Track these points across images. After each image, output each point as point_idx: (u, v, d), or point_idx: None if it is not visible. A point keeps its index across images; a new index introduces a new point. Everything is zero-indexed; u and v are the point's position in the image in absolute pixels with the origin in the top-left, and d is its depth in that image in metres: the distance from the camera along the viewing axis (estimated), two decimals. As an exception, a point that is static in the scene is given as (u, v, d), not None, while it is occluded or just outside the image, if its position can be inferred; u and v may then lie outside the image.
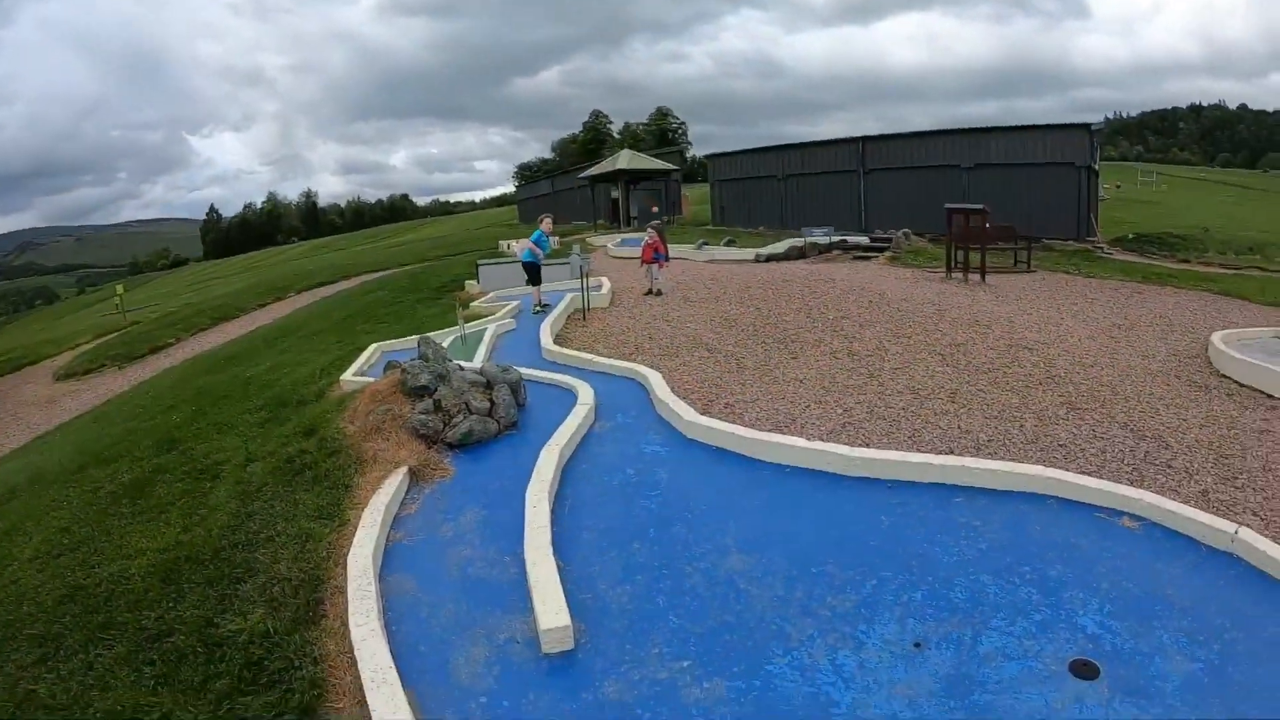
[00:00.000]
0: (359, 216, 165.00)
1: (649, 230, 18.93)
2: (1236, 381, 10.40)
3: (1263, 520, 6.62)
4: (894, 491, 7.15)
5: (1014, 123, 34.19)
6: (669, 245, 21.00)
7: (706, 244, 28.93)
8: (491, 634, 5.34)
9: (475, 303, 18.68)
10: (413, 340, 11.78)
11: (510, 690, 4.78)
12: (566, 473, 7.87)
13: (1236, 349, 11.15)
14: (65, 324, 49.99)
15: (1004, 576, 5.72)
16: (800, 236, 27.60)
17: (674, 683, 4.78)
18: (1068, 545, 6.10)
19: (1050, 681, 4.62)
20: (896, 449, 8.14)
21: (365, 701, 4.54)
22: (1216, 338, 11.75)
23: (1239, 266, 23.18)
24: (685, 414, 8.89)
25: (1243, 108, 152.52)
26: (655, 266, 17.84)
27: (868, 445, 8.29)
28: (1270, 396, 9.75)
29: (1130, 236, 28.36)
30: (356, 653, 4.95)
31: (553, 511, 6.89)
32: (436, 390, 8.92)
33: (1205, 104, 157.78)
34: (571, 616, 5.24)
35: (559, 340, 13.48)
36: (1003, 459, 7.83)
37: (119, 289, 46.61)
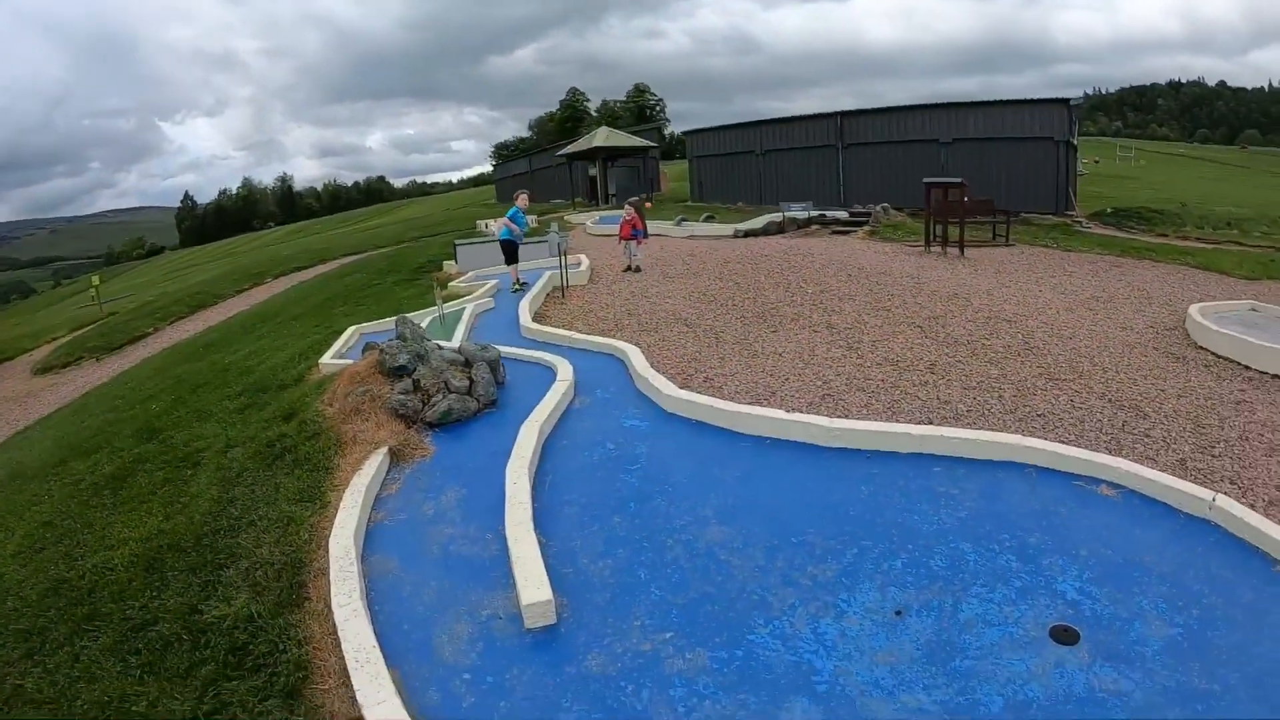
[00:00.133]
0: (336, 200, 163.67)
1: (627, 207, 18.88)
2: (1214, 353, 10.50)
3: (1239, 488, 6.71)
4: (873, 461, 7.17)
5: (993, 98, 34.25)
6: (648, 222, 20.94)
7: (685, 220, 28.87)
8: (474, 611, 5.33)
9: (454, 283, 18.59)
10: (391, 322, 11.72)
11: (494, 666, 4.78)
12: (547, 449, 7.85)
13: (1214, 321, 11.23)
14: (41, 318, 49.32)
15: (983, 544, 5.76)
16: (779, 212, 27.55)
17: (657, 654, 4.80)
18: (1047, 513, 6.14)
19: (1031, 647, 4.66)
20: (876, 419, 8.18)
21: (349, 682, 4.53)
22: (1194, 310, 11.84)
23: (1217, 241, 23.32)
24: (665, 388, 8.88)
25: (1222, 85, 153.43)
26: (634, 243, 17.80)
27: (847, 416, 8.32)
28: (1247, 368, 9.85)
29: (1109, 211, 28.48)
30: (340, 634, 4.93)
31: (533, 488, 6.88)
32: (415, 370, 8.87)
33: (1185, 80, 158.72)
34: (553, 591, 5.24)
35: (538, 318, 13.44)
36: (981, 429, 7.88)
37: (94, 280, 46.07)
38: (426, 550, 6.17)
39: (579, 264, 17.63)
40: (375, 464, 7.37)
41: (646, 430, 8.27)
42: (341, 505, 6.59)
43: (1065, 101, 27.18)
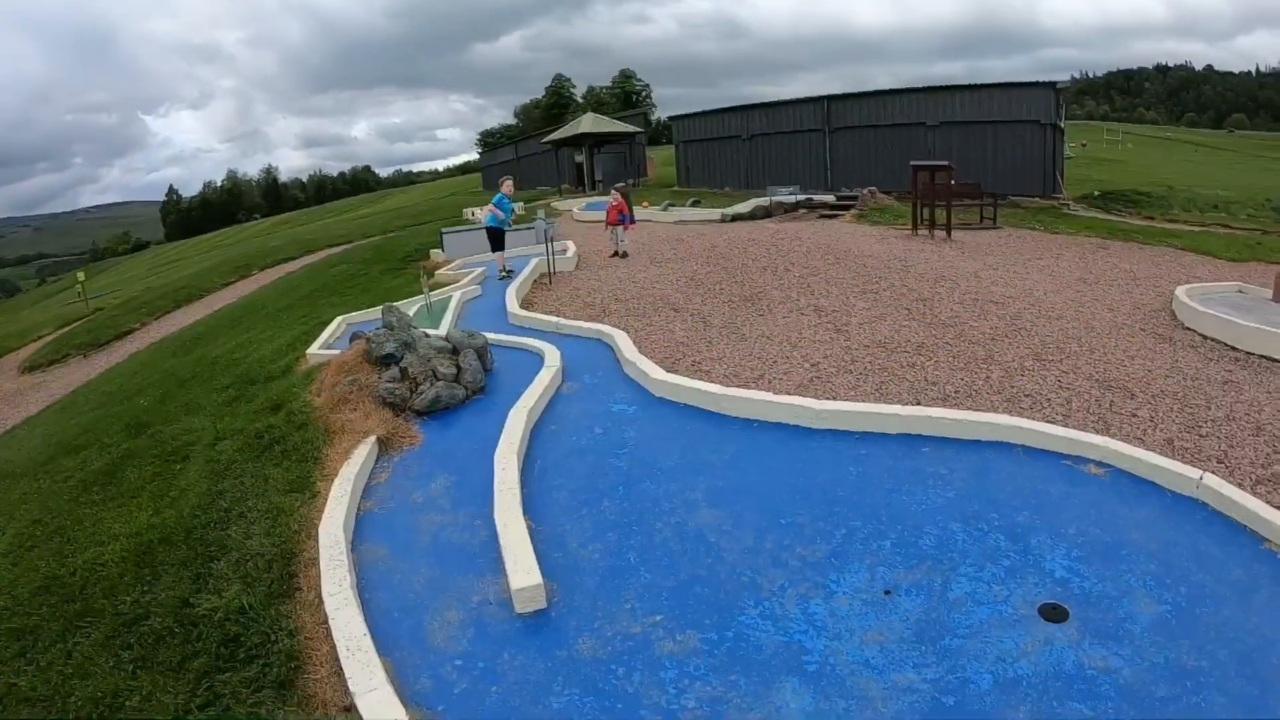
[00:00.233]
0: (321, 190, 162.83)
1: (613, 193, 18.84)
2: (1200, 334, 10.54)
3: (1227, 467, 6.73)
4: (862, 443, 7.18)
5: (980, 81, 34.28)
6: (634, 207, 20.91)
7: (672, 205, 28.81)
8: (465, 597, 5.33)
9: (441, 271, 18.53)
10: (378, 311, 11.68)
11: (485, 651, 4.79)
12: (535, 434, 7.85)
13: (1200, 303, 11.28)
14: (27, 316, 48.84)
15: (972, 524, 5.78)
16: (766, 196, 27.54)
17: (647, 637, 4.81)
18: (1035, 492, 6.17)
19: (1020, 625, 4.69)
20: (864, 401, 8.19)
21: (341, 671, 4.54)
22: (1181, 292, 11.88)
23: (1204, 223, 23.47)
24: (653, 372, 8.87)
25: (1209, 69, 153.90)
26: (620, 228, 17.77)
27: (835, 398, 8.34)
28: (1233, 349, 9.89)
29: (1096, 194, 28.57)
30: (331, 623, 4.93)
31: (522, 473, 6.88)
32: (403, 358, 8.85)
33: (1171, 65, 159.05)
34: (543, 575, 5.25)
35: (525, 305, 13.42)
36: (969, 409, 7.90)
37: (80, 276, 45.63)
38: (416, 538, 6.16)
39: (566, 250, 17.59)
40: (364, 453, 7.35)
41: (635, 414, 8.27)
42: (331, 495, 6.57)
43: (1052, 84, 27.15)
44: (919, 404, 8.11)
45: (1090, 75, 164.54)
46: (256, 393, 10.29)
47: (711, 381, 8.79)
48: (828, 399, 8.21)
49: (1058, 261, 16.08)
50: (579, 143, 45.26)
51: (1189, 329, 10.83)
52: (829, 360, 9.63)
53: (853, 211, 24.21)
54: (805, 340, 10.45)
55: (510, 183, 17.13)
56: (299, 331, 14.08)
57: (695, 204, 29.76)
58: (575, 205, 32.51)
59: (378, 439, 7.74)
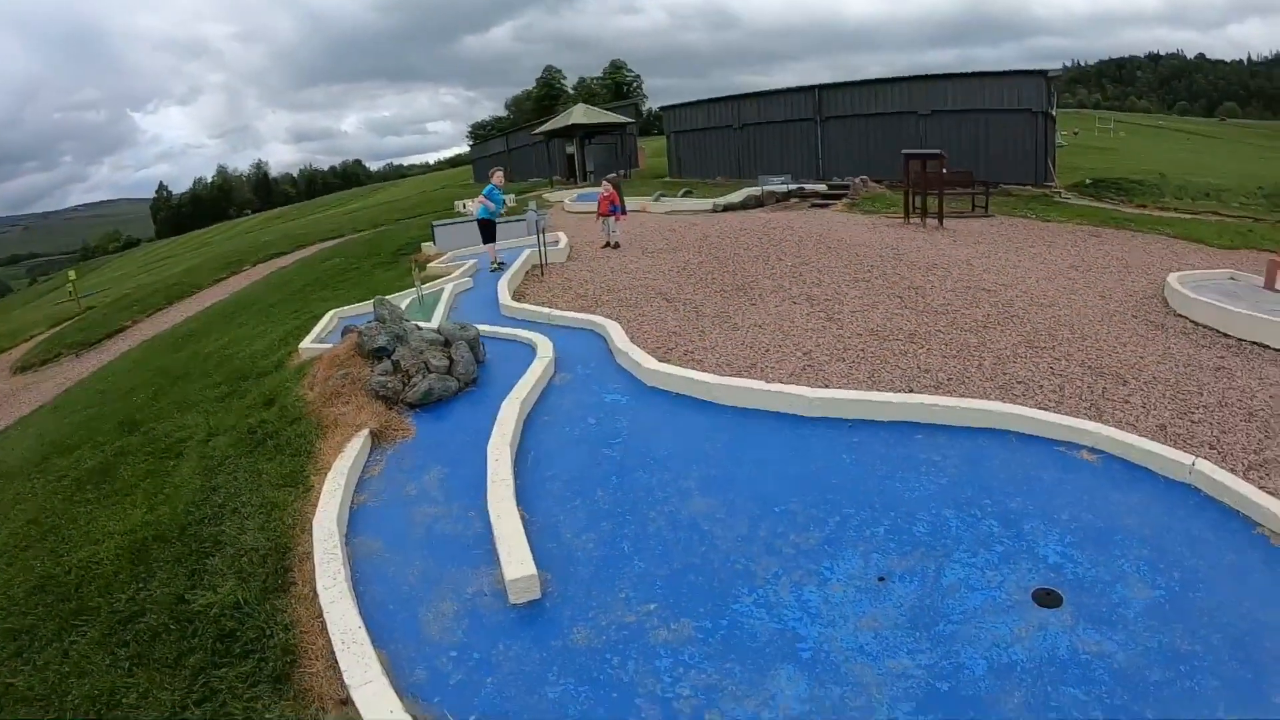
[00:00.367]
0: (312, 185, 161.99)
1: (604, 183, 18.81)
2: (1193, 321, 10.57)
3: (1219, 453, 6.76)
4: (855, 430, 7.20)
5: (971, 69, 34.25)
6: (625, 198, 20.87)
7: (664, 195, 28.78)
8: (459, 589, 5.33)
9: (433, 264, 18.47)
10: (370, 305, 11.65)
11: (480, 643, 4.79)
12: (528, 425, 7.84)
13: (1192, 290, 11.29)
14: (18, 316, 48.62)
15: (965, 510, 5.79)
16: (758, 186, 27.55)
17: (641, 626, 4.82)
18: (1028, 478, 6.19)
19: (1014, 611, 4.70)
20: (857, 389, 8.20)
21: (337, 664, 4.54)
22: (1173, 279, 11.90)
23: (1195, 211, 23.45)
24: (645, 362, 8.87)
25: (1200, 57, 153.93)
26: (611, 219, 17.75)
27: (828, 386, 8.34)
28: (1225, 335, 9.92)
29: (1088, 182, 28.56)
30: (326, 616, 4.93)
31: (515, 464, 6.87)
32: (395, 351, 8.83)
33: (1163, 53, 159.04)
34: (537, 566, 5.25)
35: (517, 296, 13.39)
36: (962, 396, 7.91)
37: (71, 275, 45.42)
38: (410, 530, 6.16)
39: (557, 242, 17.54)
40: (357, 446, 7.34)
41: (627, 404, 8.27)
42: (324, 489, 6.57)
43: (1043, 73, 27.14)
44: (911, 391, 8.13)
45: (1082, 64, 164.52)
46: (249, 388, 10.28)
47: (704, 371, 8.78)
48: (820, 387, 8.21)
49: (1050, 249, 16.09)
50: (570, 134, 45.27)
51: (1181, 316, 10.85)
52: (821, 349, 9.63)
53: (844, 200, 24.24)
54: (797, 329, 10.45)
55: (501, 174, 17.07)
56: (291, 326, 14.05)
57: (687, 194, 29.72)
58: (566, 196, 32.45)
59: (371, 432, 7.72)
